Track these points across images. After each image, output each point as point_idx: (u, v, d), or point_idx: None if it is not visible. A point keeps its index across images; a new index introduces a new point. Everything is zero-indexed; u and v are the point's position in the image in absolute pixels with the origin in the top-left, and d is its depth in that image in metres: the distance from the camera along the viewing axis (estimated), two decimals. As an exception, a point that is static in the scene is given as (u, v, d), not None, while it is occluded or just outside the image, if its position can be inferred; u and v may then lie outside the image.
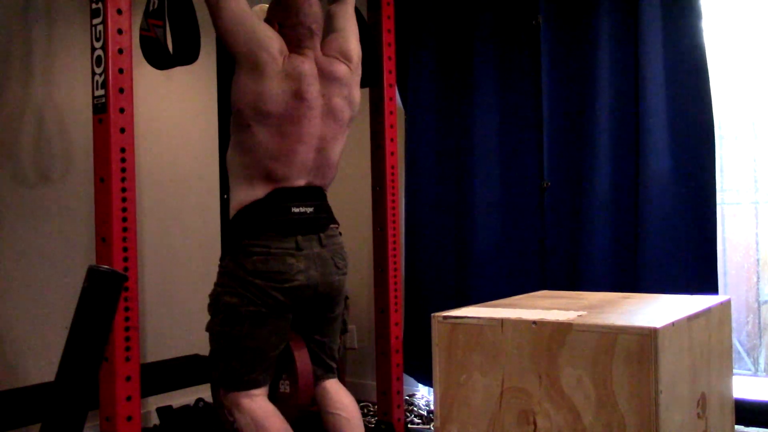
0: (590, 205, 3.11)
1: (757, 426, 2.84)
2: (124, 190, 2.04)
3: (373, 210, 2.93)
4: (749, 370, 3.25)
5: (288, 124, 2.11)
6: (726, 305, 2.06)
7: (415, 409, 3.55)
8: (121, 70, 2.04)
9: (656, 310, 1.85)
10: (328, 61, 2.23)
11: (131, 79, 2.07)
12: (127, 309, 2.02)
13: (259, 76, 2.08)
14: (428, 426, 3.34)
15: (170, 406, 3.14)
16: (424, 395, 3.72)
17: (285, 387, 2.25)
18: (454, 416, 1.78)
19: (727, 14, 3.15)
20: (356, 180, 3.36)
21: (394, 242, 2.90)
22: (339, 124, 2.23)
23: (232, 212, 2.17)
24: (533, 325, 1.66)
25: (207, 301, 2.24)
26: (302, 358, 2.24)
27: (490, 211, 3.39)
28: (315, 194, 2.22)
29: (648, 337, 1.52)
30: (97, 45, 2.04)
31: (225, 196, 3.20)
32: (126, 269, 2.03)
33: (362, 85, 2.38)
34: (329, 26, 2.34)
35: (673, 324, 1.61)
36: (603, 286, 2.97)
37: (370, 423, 3.15)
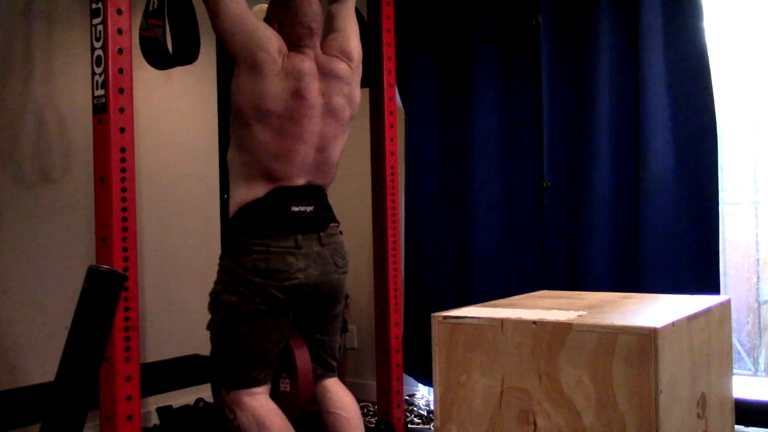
0: (590, 205, 3.11)
1: (757, 426, 2.84)
2: (124, 190, 2.04)
3: (373, 210, 2.93)
4: (749, 370, 3.25)
5: (288, 123, 2.11)
6: (726, 305, 2.06)
7: (415, 409, 3.55)
8: (121, 70, 2.04)
9: (656, 310, 1.85)
10: (328, 59, 2.23)
11: (131, 79, 2.07)
12: (127, 309, 2.02)
13: (259, 75, 2.08)
14: (428, 426, 3.34)
15: (170, 406, 3.14)
16: (424, 395, 3.72)
17: (285, 386, 2.26)
18: (454, 416, 1.78)
19: (727, 14, 3.15)
20: (356, 180, 3.36)
21: (394, 242, 2.90)
22: (339, 122, 2.23)
23: (232, 211, 2.17)
24: (533, 325, 1.66)
25: (207, 300, 2.25)
26: (302, 357, 2.24)
27: (490, 211, 3.39)
28: (315, 193, 2.22)
29: (648, 337, 1.52)
30: (97, 45, 2.04)
31: (225, 196, 3.20)
32: (126, 269, 2.03)
33: (362, 85, 2.38)
34: (330, 26, 2.34)
35: (673, 324, 1.61)
36: (603, 286, 2.97)
37: (370, 423, 3.15)
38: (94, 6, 2.05)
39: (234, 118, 2.16)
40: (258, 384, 2.15)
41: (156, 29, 2.37)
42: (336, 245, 2.25)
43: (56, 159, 3.01)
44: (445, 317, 1.81)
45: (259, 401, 2.13)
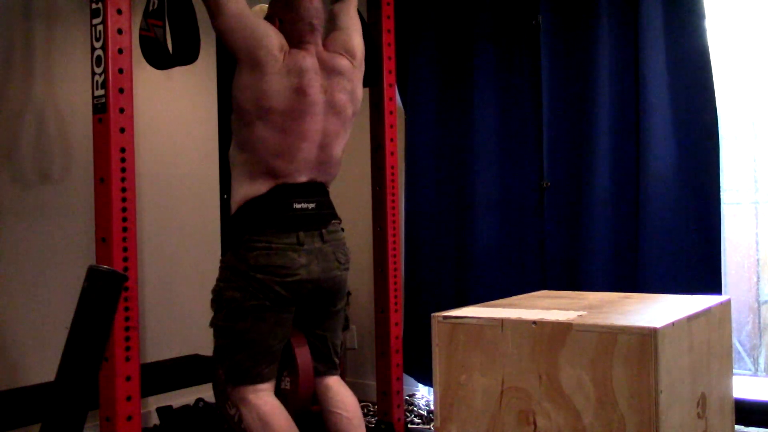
0: (590, 205, 3.11)
1: (757, 426, 2.84)
2: (124, 190, 2.04)
3: (373, 210, 2.93)
4: (749, 370, 3.25)
5: (290, 121, 2.11)
6: (726, 305, 2.05)
7: (415, 409, 3.55)
8: (121, 70, 2.04)
9: (656, 310, 1.85)
10: (330, 56, 2.23)
11: (131, 79, 2.07)
12: (127, 309, 2.02)
13: (260, 73, 2.08)
14: (428, 426, 3.34)
15: (170, 406, 3.14)
16: (424, 395, 3.72)
17: (286, 383, 2.26)
18: (454, 416, 1.78)
19: (728, 14, 3.15)
20: (356, 180, 3.36)
21: (394, 242, 2.90)
22: (341, 119, 2.23)
23: (234, 208, 2.17)
24: (533, 325, 1.66)
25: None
26: (303, 355, 2.25)
27: (490, 211, 3.39)
28: (317, 190, 2.22)
29: (648, 337, 1.52)
30: (97, 45, 2.04)
31: (225, 196, 3.20)
32: (126, 269, 2.03)
33: (363, 84, 2.38)
34: (332, 24, 2.35)
35: (673, 324, 1.61)
36: (603, 286, 2.97)
37: (370, 423, 3.15)
38: (94, 6, 2.05)
39: (236, 117, 2.16)
40: (262, 380, 2.15)
41: (156, 29, 2.37)
42: (338, 242, 2.25)
43: (56, 159, 3.01)
44: (445, 317, 1.81)
45: (264, 399, 2.13)
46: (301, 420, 2.25)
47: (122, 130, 2.04)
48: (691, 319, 1.74)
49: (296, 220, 2.14)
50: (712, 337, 1.90)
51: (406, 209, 3.60)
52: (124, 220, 2.04)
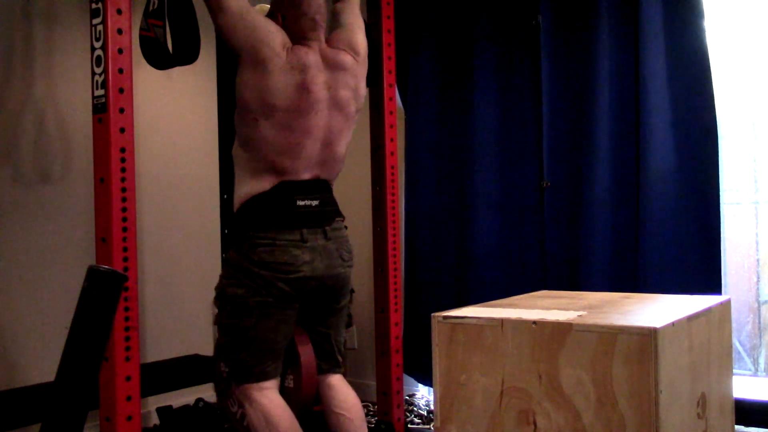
0: (590, 205, 3.11)
1: (757, 426, 2.84)
2: (124, 190, 2.04)
3: (373, 210, 2.93)
4: (749, 370, 3.25)
5: (294, 118, 2.11)
6: (726, 305, 2.06)
7: (415, 409, 3.55)
8: (121, 70, 2.04)
9: (656, 310, 1.85)
10: (334, 52, 2.23)
11: (131, 79, 2.07)
12: (127, 309, 2.02)
13: (263, 71, 2.07)
14: (428, 426, 3.34)
15: (170, 406, 3.14)
16: (424, 395, 3.72)
17: (289, 382, 2.25)
18: (454, 416, 1.78)
19: (727, 14, 3.15)
20: (356, 180, 3.36)
21: (394, 242, 2.90)
22: (345, 116, 2.22)
23: (237, 205, 2.17)
24: (533, 325, 1.66)
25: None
26: (306, 354, 2.24)
27: (490, 211, 3.39)
28: (321, 187, 2.22)
29: (648, 337, 1.52)
30: (97, 45, 2.04)
31: (225, 196, 3.20)
32: (126, 269, 2.03)
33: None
34: (335, 22, 2.34)
35: (673, 324, 1.61)
36: (603, 286, 2.97)
37: (370, 423, 3.15)
38: (94, 6, 2.05)
39: (239, 114, 2.15)
40: (267, 377, 2.14)
41: (156, 29, 2.37)
42: (341, 239, 2.25)
43: (56, 159, 3.01)
44: (445, 317, 1.81)
45: (269, 397, 2.13)
46: (304, 419, 2.25)
47: (122, 130, 2.04)
48: (691, 319, 1.74)
49: (300, 217, 2.14)
50: (712, 337, 1.90)
51: (406, 209, 3.60)
52: (124, 220, 2.04)
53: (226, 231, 3.15)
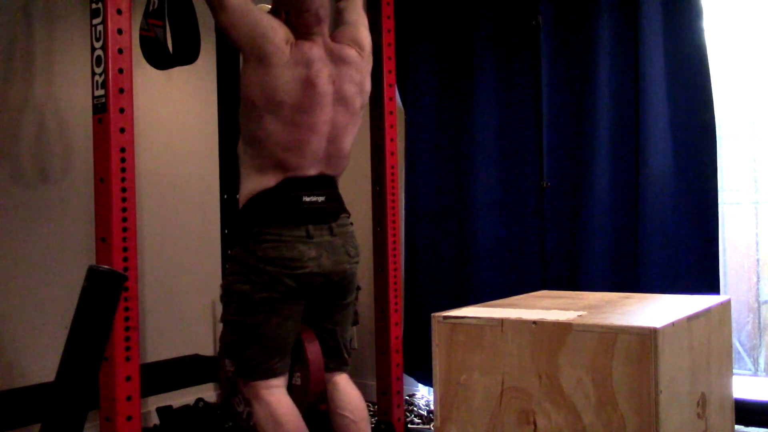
0: (590, 205, 3.11)
1: (757, 426, 2.84)
2: (124, 190, 2.04)
3: (373, 210, 2.93)
4: (749, 370, 3.25)
5: (300, 114, 2.10)
6: (726, 305, 2.06)
7: (415, 409, 3.55)
8: (121, 70, 2.04)
9: (656, 310, 1.85)
10: (338, 46, 2.22)
11: (131, 79, 2.07)
12: (127, 309, 2.02)
13: (267, 67, 2.07)
14: (428, 426, 3.34)
15: (170, 406, 3.14)
16: (424, 395, 3.72)
17: (296, 379, 2.24)
18: (454, 416, 1.78)
19: (727, 14, 3.15)
20: (356, 180, 3.36)
21: (394, 242, 2.90)
22: (350, 111, 2.22)
23: (242, 201, 2.17)
24: (533, 325, 1.66)
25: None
26: (313, 351, 2.22)
27: (490, 211, 3.39)
28: (326, 183, 2.21)
29: (648, 337, 1.52)
30: (97, 45, 2.04)
31: (225, 196, 3.21)
32: (126, 269, 2.03)
33: None
34: (339, 20, 2.34)
35: (673, 324, 1.61)
36: (603, 286, 2.97)
37: (371, 423, 3.15)
38: (94, 6, 2.05)
39: (244, 111, 2.15)
40: (275, 374, 2.13)
41: (156, 29, 2.37)
42: (347, 235, 2.24)
43: (56, 159, 3.01)
44: (445, 317, 1.81)
45: (277, 396, 2.12)
46: (311, 418, 2.24)
47: (122, 130, 2.04)
48: (691, 319, 1.74)
49: (306, 213, 2.13)
50: (712, 337, 1.90)
51: (406, 209, 3.60)
52: (124, 220, 2.04)
53: (226, 231, 3.16)
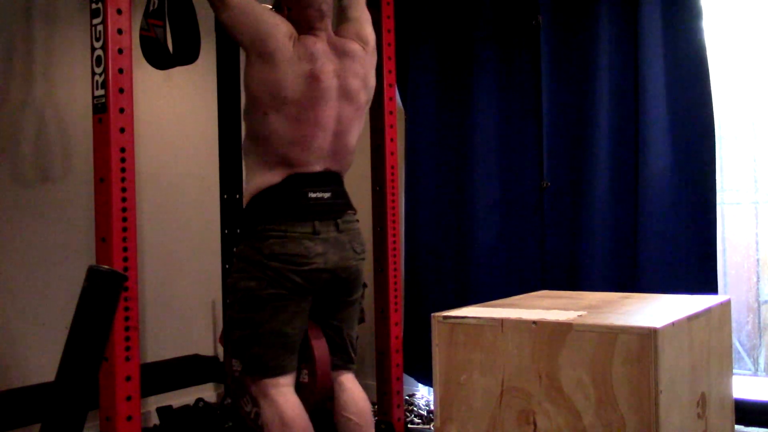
0: (590, 205, 3.11)
1: (757, 426, 2.84)
2: (124, 190, 2.04)
3: (373, 210, 2.93)
4: (749, 370, 3.25)
5: (305, 109, 2.09)
6: (726, 305, 2.06)
7: (415, 409, 3.55)
8: (121, 70, 2.04)
9: (656, 310, 1.85)
10: (342, 40, 2.21)
11: (131, 79, 2.07)
12: (127, 309, 2.02)
13: (271, 63, 2.06)
14: (428, 426, 3.34)
15: (170, 406, 3.14)
16: (424, 395, 3.72)
17: (304, 377, 2.22)
18: (454, 416, 1.78)
19: (727, 14, 3.15)
20: (356, 180, 3.36)
21: (394, 242, 2.90)
22: (355, 106, 2.21)
23: (247, 198, 2.16)
24: (533, 325, 1.66)
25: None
26: (320, 348, 2.21)
27: (490, 211, 3.39)
28: (332, 180, 2.20)
29: (648, 337, 1.52)
30: (97, 45, 2.04)
31: (225, 196, 3.21)
32: (126, 269, 2.03)
33: None
34: (343, 16, 2.34)
35: (673, 324, 1.61)
36: (603, 286, 2.97)
37: (370, 423, 3.15)
38: (94, 6, 2.05)
39: (249, 108, 2.14)
40: (283, 372, 2.11)
41: (156, 29, 2.37)
42: (353, 232, 2.23)
43: (56, 159, 3.01)
44: (445, 317, 1.81)
45: (286, 397, 2.10)
46: (319, 417, 2.22)
47: (122, 130, 2.04)
48: (691, 319, 1.74)
49: (311, 210, 2.12)
50: (712, 337, 1.90)
51: (406, 209, 3.60)
52: (124, 220, 2.04)
53: (226, 231, 3.16)
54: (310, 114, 2.10)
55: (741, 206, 3.26)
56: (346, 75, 2.17)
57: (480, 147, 3.41)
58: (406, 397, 3.54)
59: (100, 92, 2.03)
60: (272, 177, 2.12)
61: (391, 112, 2.92)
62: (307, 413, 2.13)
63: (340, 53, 2.18)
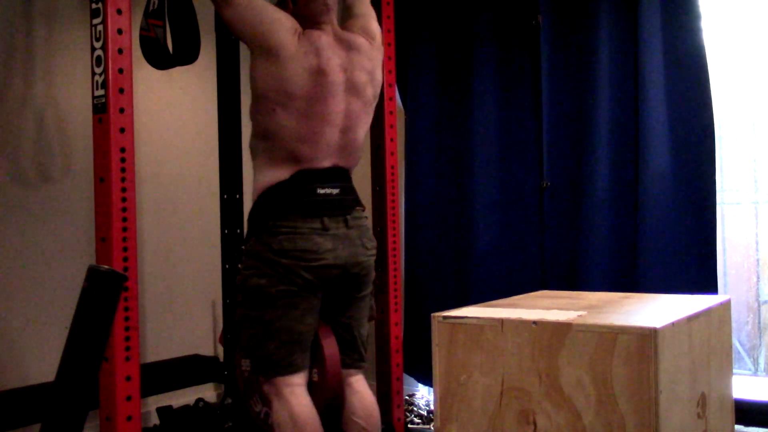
0: (590, 205, 3.11)
1: (757, 426, 2.84)
2: (124, 190, 2.04)
3: (373, 210, 2.92)
4: (749, 370, 3.25)
5: (313, 104, 2.08)
6: (726, 305, 2.06)
7: (415, 409, 3.55)
8: (121, 70, 2.04)
9: (656, 310, 1.85)
10: (347, 34, 2.20)
11: (131, 79, 2.07)
12: (127, 309, 2.02)
13: (276, 59, 2.05)
14: (428, 426, 3.34)
15: (170, 406, 3.14)
16: (424, 395, 3.72)
17: (314, 375, 2.20)
18: (454, 416, 1.78)
19: (726, 14, 3.15)
20: (356, 180, 3.35)
21: (394, 242, 2.90)
22: (363, 101, 2.19)
23: (255, 194, 2.14)
24: (533, 325, 1.66)
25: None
26: (330, 346, 2.20)
27: (490, 211, 3.39)
28: (340, 176, 2.18)
29: (648, 337, 1.52)
30: (97, 45, 2.04)
31: (225, 196, 3.21)
32: (126, 269, 2.03)
33: None
34: (348, 13, 2.33)
35: (673, 324, 1.61)
36: (603, 286, 2.97)
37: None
38: (94, 6, 2.05)
39: (255, 105, 2.13)
40: (296, 370, 2.10)
41: (156, 29, 2.37)
42: (363, 228, 2.21)
43: (56, 159, 3.01)
44: (445, 317, 1.81)
45: (298, 397, 2.08)
46: (329, 417, 2.21)
47: (122, 130, 2.04)
48: (691, 319, 1.74)
49: (320, 205, 2.10)
50: (712, 337, 1.90)
51: (406, 209, 3.60)
52: (124, 220, 2.04)
53: (226, 231, 3.16)
54: (317, 109, 2.09)
55: (741, 206, 3.26)
56: (353, 69, 2.16)
57: (480, 147, 3.41)
58: (406, 397, 3.54)
59: (100, 92, 2.03)
60: (280, 173, 2.10)
61: (391, 112, 2.92)
62: (319, 414, 2.11)
63: (347, 47, 2.17)
